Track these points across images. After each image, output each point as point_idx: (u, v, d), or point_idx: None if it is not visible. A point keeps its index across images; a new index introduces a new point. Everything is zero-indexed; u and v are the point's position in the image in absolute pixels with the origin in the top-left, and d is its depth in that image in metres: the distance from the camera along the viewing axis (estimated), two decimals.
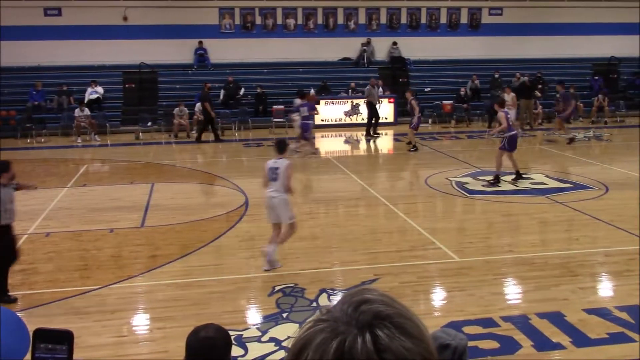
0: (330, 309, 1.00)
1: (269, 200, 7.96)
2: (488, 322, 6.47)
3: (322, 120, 21.37)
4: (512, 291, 7.65)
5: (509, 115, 12.93)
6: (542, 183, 13.01)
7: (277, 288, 7.37)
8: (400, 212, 10.79)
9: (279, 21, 23.61)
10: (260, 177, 8.31)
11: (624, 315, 6.58)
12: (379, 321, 0.96)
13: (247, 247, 8.97)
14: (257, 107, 21.52)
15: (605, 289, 7.79)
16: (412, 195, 12.40)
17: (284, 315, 6.73)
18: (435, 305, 7.30)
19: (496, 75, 23.06)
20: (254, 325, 6.57)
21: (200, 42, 22.74)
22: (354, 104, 21.70)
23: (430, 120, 21.74)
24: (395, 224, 10.19)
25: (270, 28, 23.57)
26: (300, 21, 23.76)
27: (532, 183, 13.00)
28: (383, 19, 24.29)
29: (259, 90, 21.62)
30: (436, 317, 6.77)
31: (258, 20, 23.47)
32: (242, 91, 21.69)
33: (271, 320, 6.61)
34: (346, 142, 19.51)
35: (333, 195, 12.32)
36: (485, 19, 24.79)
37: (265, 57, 23.06)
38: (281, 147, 8.11)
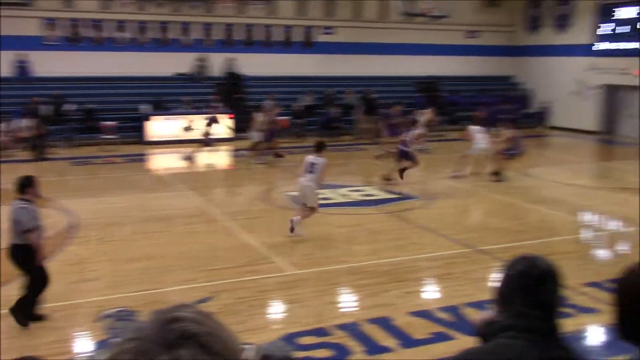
0: (142, 327, 0.99)
1: (302, 187, 9.99)
2: (322, 332, 6.66)
3: (156, 137, 20.86)
4: (345, 300, 7.94)
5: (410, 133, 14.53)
6: (372, 194, 13.67)
7: (106, 313, 7.05)
8: (238, 228, 10.80)
9: (109, 34, 22.72)
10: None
11: (445, 316, 7.09)
12: (184, 340, 0.95)
13: (76, 271, 8.49)
14: (86, 123, 20.50)
15: (429, 292, 8.35)
16: (250, 210, 12.46)
17: (114, 340, 6.43)
18: (272, 319, 7.38)
19: (329, 92, 23.93)
20: (82, 353, 6.22)
21: (21, 54, 21.23)
22: (191, 119, 21.40)
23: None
24: (234, 240, 10.18)
25: (100, 41, 22.59)
26: (132, 35, 23.04)
27: (362, 194, 13.62)
28: (218, 35, 24.27)
29: (88, 106, 20.62)
30: (273, 330, 6.85)
31: (87, 33, 22.40)
32: (69, 106, 20.54)
33: (101, 347, 6.30)
34: (183, 158, 19.16)
35: (169, 212, 12.03)
36: (318, 37, 25.67)
37: (95, 71, 22.05)
38: (320, 147, 10.18)
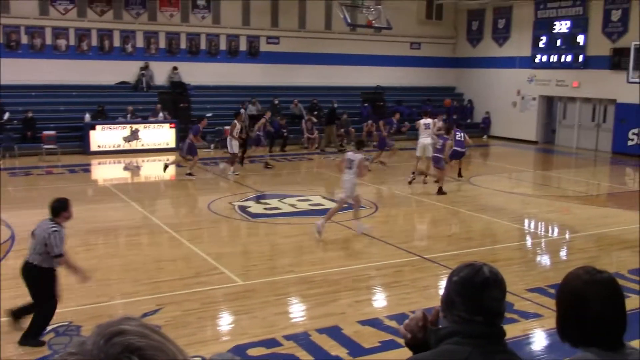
0: (85, 341, 0.96)
1: (344, 181, 10.90)
2: (271, 343, 6.60)
3: (99, 147, 20.39)
4: (294, 310, 7.90)
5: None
6: (319, 204, 13.69)
7: (48, 328, 6.80)
8: (183, 239, 10.62)
9: (49, 41, 22.11)
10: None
11: (393, 323, 7.13)
12: (127, 355, 0.92)
13: (13, 286, 8.15)
14: (25, 132, 19.87)
15: (377, 300, 8.39)
16: (196, 222, 12.29)
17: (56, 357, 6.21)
18: (220, 331, 7.27)
19: (275, 102, 23.94)
20: None
21: None
22: (133, 129, 21.02)
23: (212, 146, 21.81)
24: (179, 252, 10.00)
25: (39, 48, 21.96)
26: (72, 42, 22.48)
27: (310, 204, 13.62)
28: (162, 44, 23.94)
29: (28, 115, 19.99)
30: (221, 342, 6.76)
31: (24, 39, 21.74)
32: (6, 115, 19.88)
33: None
34: (126, 168, 18.81)
35: (112, 224, 11.74)
36: (264, 47, 25.63)
37: (33, 79, 21.42)
38: (359, 145, 11.27)
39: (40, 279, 6.43)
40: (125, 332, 0.96)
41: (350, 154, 11.05)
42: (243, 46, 25.36)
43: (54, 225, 6.35)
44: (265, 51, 25.60)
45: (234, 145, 17.08)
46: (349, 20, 22.44)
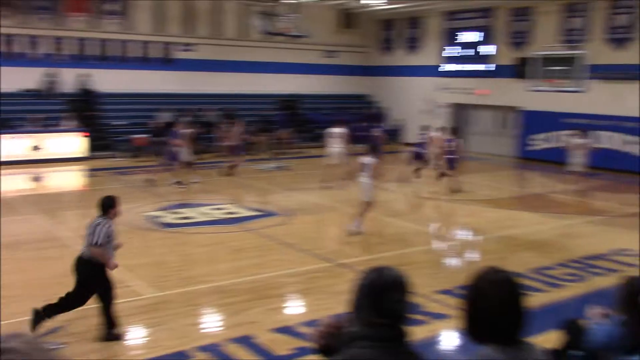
0: None
1: (360, 184, 11.86)
2: (184, 355, 6.50)
3: (4, 157, 19.43)
4: (207, 320, 7.81)
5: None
6: (234, 212, 13.59)
7: None
8: None
9: None
10: None
11: (307, 330, 7.16)
12: None
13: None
14: None
15: (291, 307, 8.42)
16: None
17: None
18: (131, 344, 7.07)
19: (191, 110, 23.59)
20: None
21: None
22: (39, 138, 20.17)
23: (123, 155, 21.25)
24: None
25: None
26: None
27: (224, 213, 13.51)
28: (70, 49, 23.12)
29: None
30: (133, 356, 6.60)
31: None
32: None
33: None
34: (34, 180, 18.02)
35: (15, 238, 11.19)
36: (178, 54, 25.23)
37: None
38: (373, 149, 12.23)
39: (87, 270, 6.85)
40: (8, 351, 0.93)
41: (363, 158, 11.90)
42: (157, 53, 24.86)
43: (100, 220, 6.95)
44: (180, 58, 25.21)
45: (185, 154, 16.83)
46: (265, 29, 22.46)
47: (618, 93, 20.86)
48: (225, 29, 26.07)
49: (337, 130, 16.90)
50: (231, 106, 24.42)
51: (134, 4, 23.90)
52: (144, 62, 24.59)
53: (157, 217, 12.98)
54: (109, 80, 23.03)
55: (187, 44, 25.35)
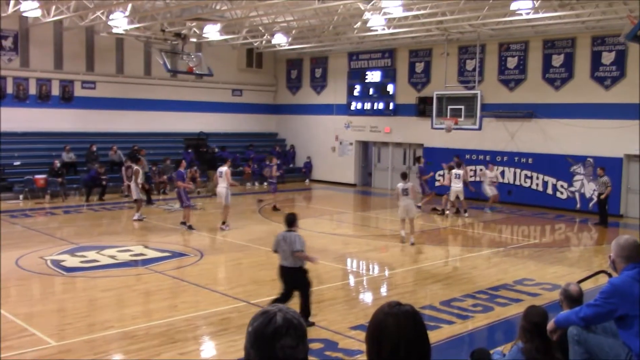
0: None
1: (406, 205, 14.31)
2: None
3: None
4: None
5: None
6: (141, 254, 13.16)
7: None
8: None
9: None
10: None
11: None
12: None
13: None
14: None
15: (204, 350, 8.17)
16: (2, 279, 11.19)
17: None
18: None
19: (93, 149, 22.84)
20: None
21: None
22: None
23: (21, 197, 20.21)
24: None
25: None
26: None
27: (131, 255, 13.05)
28: None
29: None
30: None
31: None
32: None
33: None
34: None
35: None
36: (78, 92, 24.42)
37: None
38: (404, 176, 14.68)
39: (294, 275, 8.47)
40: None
41: (401, 185, 14.33)
42: (55, 91, 23.96)
43: (290, 232, 8.51)
44: (80, 96, 24.40)
45: (136, 191, 17.43)
46: (169, 67, 22.23)
47: (512, 130, 22.07)
48: (128, 67, 25.57)
49: (222, 169, 16.49)
50: (136, 145, 23.81)
51: (32, 40, 23.03)
52: (42, 100, 23.59)
53: (59, 261, 12.35)
54: (5, 119, 21.90)
55: (88, 82, 24.61)
